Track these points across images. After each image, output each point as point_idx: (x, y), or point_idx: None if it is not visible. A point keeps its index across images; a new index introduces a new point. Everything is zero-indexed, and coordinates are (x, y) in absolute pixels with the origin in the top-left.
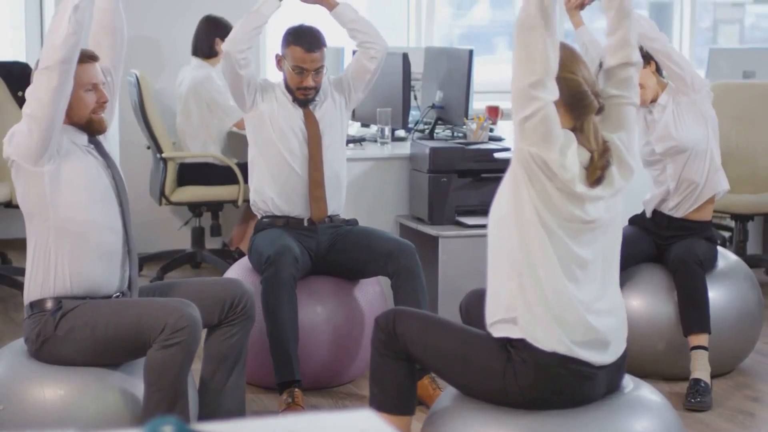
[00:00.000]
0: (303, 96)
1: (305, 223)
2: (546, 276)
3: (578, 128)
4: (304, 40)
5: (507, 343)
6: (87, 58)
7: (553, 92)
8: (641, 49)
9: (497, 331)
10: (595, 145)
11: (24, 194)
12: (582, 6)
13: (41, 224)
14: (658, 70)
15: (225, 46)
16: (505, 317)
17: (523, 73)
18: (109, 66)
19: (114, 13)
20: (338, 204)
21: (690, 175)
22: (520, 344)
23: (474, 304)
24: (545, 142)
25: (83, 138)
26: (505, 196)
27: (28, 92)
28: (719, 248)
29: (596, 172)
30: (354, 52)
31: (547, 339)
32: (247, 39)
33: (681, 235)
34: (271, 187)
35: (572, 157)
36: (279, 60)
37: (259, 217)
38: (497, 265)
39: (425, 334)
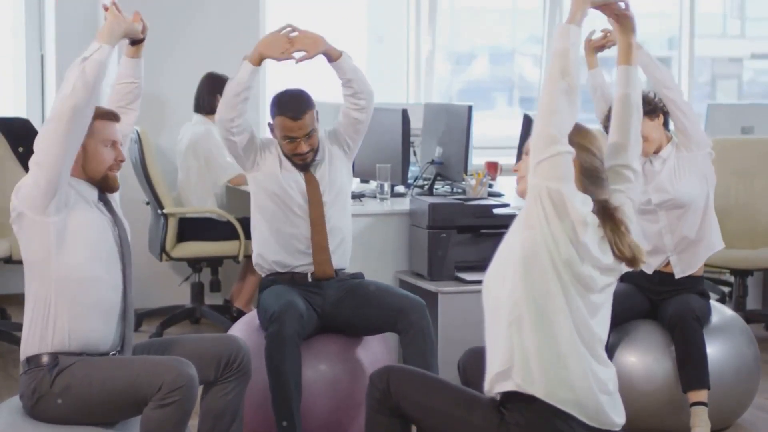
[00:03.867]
0: (300, 161)
1: (309, 279)
2: (552, 320)
3: (603, 215)
4: (288, 108)
5: (500, 405)
6: (111, 116)
7: (569, 147)
8: (654, 97)
9: (494, 389)
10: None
11: (27, 245)
12: (602, 48)
13: (42, 276)
14: (666, 123)
15: (216, 114)
16: (501, 370)
17: (548, 122)
18: (128, 129)
19: (135, 83)
20: (343, 258)
21: (683, 229)
22: (513, 405)
23: (472, 362)
24: (563, 178)
25: (94, 193)
26: (510, 247)
27: (36, 141)
28: (715, 303)
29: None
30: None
31: (543, 387)
32: (231, 107)
33: (674, 290)
34: (273, 247)
35: (585, 204)
36: (271, 128)
37: (263, 275)
38: (495, 319)
39: (419, 392)
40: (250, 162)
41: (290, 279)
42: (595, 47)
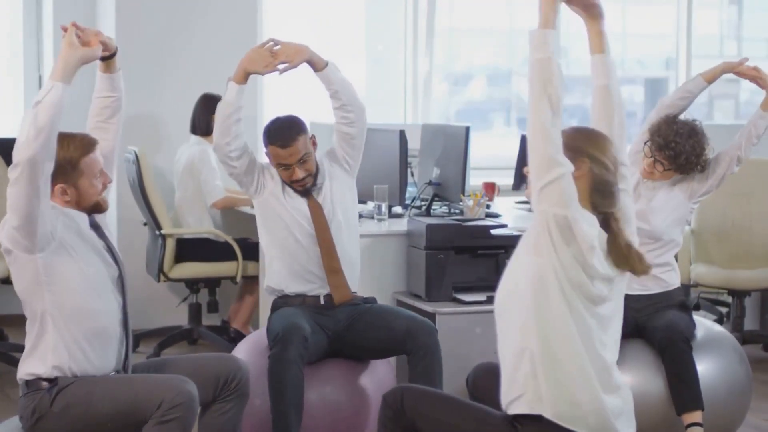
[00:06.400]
0: (300, 187)
1: (322, 301)
2: (562, 348)
3: (601, 221)
4: (275, 137)
5: (513, 421)
6: (91, 146)
7: (568, 164)
8: (705, 161)
9: (508, 410)
10: (630, 243)
11: (18, 279)
12: (739, 74)
13: (37, 308)
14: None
15: (213, 140)
16: (514, 396)
17: (543, 142)
18: (110, 145)
19: (112, 97)
20: (352, 281)
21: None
22: (526, 422)
23: (481, 377)
24: (567, 203)
25: (84, 222)
26: (519, 269)
27: (8, 187)
28: (704, 320)
29: (623, 264)
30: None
31: (552, 408)
32: (225, 130)
33: (654, 305)
34: (284, 272)
35: (593, 227)
36: (269, 157)
37: (274, 297)
38: (508, 343)
39: (434, 409)
40: (254, 187)
41: (302, 302)
42: (736, 72)
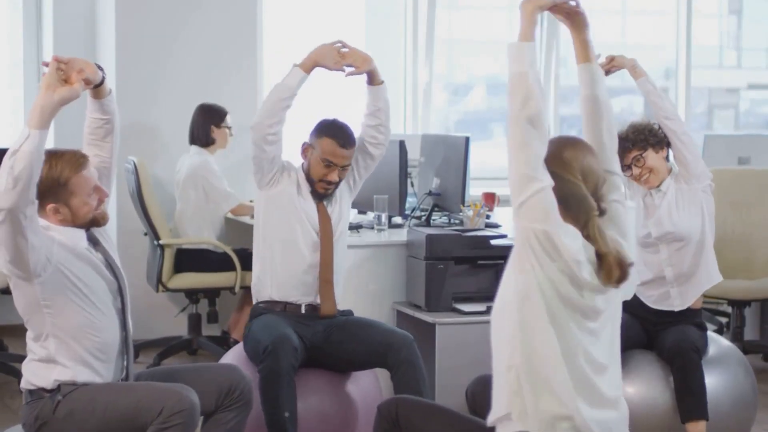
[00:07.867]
0: (323, 189)
1: (303, 310)
2: (544, 365)
3: (582, 233)
4: (339, 134)
5: None
6: (82, 163)
7: (547, 179)
8: (659, 129)
9: (497, 428)
10: (611, 250)
11: (19, 301)
12: (606, 73)
13: (39, 328)
14: (667, 156)
15: (254, 118)
16: (502, 414)
17: (520, 161)
18: (107, 160)
19: (103, 119)
20: (339, 295)
21: (683, 262)
22: None
23: (480, 390)
24: (547, 218)
25: (81, 238)
26: (506, 286)
27: None
28: (712, 334)
29: (613, 272)
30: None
31: (540, 426)
32: (274, 112)
33: (671, 322)
34: (275, 271)
35: (576, 239)
36: (306, 149)
37: (254, 302)
38: (498, 358)
39: (428, 421)
40: (269, 177)
41: (282, 309)
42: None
